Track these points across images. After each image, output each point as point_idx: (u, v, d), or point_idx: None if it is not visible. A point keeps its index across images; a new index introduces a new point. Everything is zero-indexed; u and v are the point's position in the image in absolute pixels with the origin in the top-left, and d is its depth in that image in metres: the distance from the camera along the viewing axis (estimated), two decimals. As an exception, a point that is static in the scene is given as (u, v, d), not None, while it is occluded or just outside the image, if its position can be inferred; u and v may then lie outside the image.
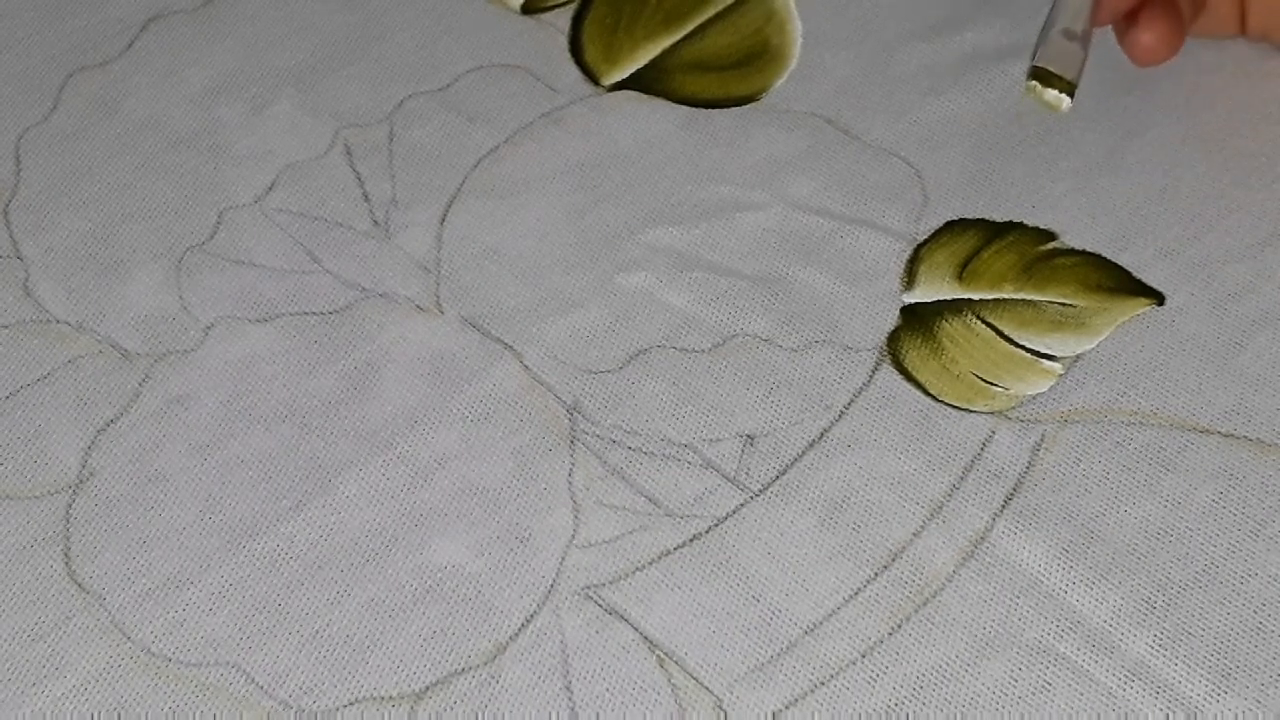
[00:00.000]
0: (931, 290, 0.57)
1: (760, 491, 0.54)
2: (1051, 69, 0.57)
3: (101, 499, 0.54)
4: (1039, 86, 0.57)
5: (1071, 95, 0.57)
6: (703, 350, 0.57)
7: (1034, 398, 0.55)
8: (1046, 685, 0.50)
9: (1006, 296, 0.57)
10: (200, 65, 0.64)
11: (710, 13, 0.64)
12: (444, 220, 0.60)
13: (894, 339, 0.56)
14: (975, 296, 0.57)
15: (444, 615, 0.52)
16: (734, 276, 0.58)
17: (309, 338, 0.57)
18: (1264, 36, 0.61)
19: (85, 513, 0.54)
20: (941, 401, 0.55)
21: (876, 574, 0.52)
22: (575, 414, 0.55)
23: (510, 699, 0.50)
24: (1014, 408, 0.55)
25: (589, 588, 0.52)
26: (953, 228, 0.59)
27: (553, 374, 0.56)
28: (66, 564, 0.53)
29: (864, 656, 0.51)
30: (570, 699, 0.50)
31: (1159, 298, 0.57)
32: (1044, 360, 0.56)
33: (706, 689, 0.50)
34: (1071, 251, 0.58)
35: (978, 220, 0.59)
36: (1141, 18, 0.58)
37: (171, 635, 0.51)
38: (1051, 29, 0.58)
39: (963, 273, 0.58)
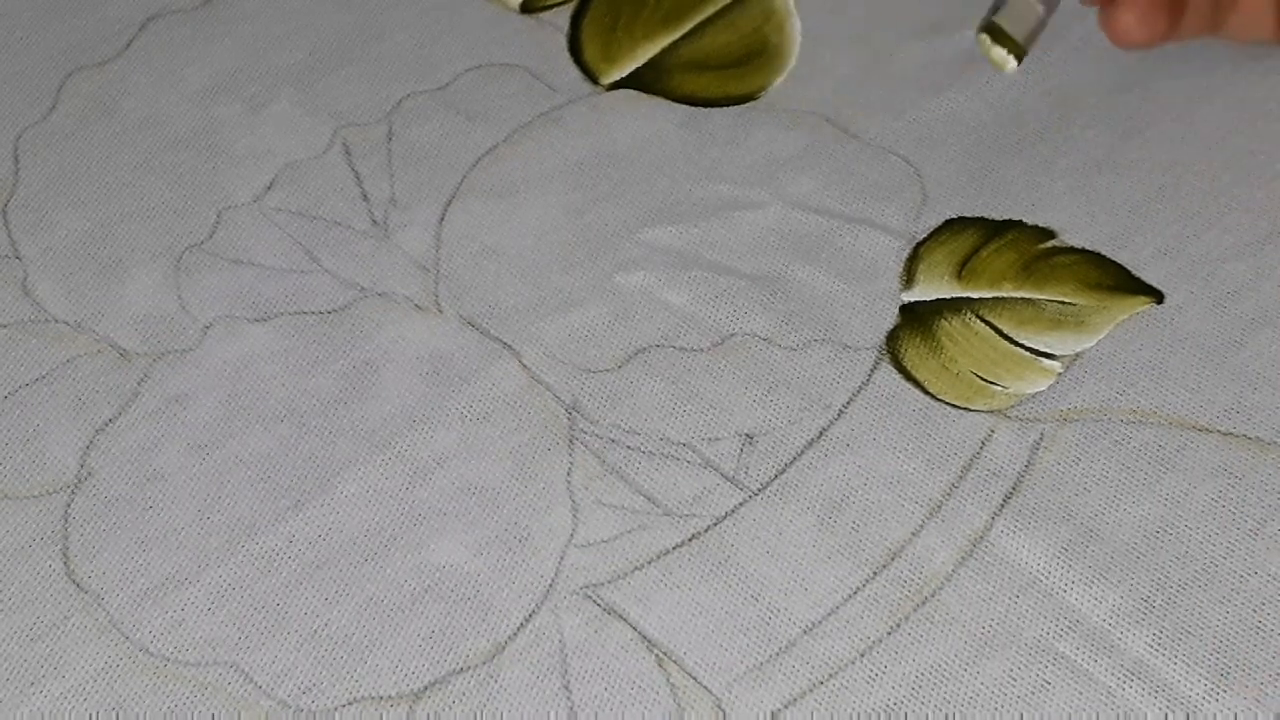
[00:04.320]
0: (931, 289, 0.57)
1: (759, 490, 0.53)
2: (1005, 26, 0.57)
3: (100, 499, 0.54)
4: (988, 41, 0.57)
5: (1020, 59, 0.57)
6: (702, 349, 0.56)
7: (1033, 396, 0.55)
8: (1045, 684, 0.50)
9: (1006, 295, 0.57)
10: (199, 65, 0.64)
11: (709, 11, 0.64)
12: (443, 219, 0.60)
13: (893, 338, 0.56)
14: (974, 295, 0.57)
15: (443, 615, 0.52)
16: (733, 275, 0.58)
17: (308, 337, 0.57)
18: None
19: (84, 512, 0.54)
20: (941, 400, 0.55)
21: (875, 573, 0.52)
22: (574, 413, 0.55)
23: (509, 698, 0.50)
24: (1013, 406, 0.55)
25: (588, 587, 0.52)
26: (952, 226, 0.59)
27: (552, 373, 0.56)
28: (65, 564, 0.53)
29: (863, 655, 0.50)
30: (569, 698, 0.50)
31: (1158, 296, 0.57)
32: (1043, 359, 0.56)
33: (705, 688, 0.50)
34: (1070, 250, 0.58)
35: (977, 219, 0.59)
36: None
37: (170, 635, 0.51)
38: None
39: (962, 271, 0.57)
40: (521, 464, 0.54)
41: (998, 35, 0.56)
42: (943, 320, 0.57)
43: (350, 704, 0.50)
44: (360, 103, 0.63)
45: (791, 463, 0.54)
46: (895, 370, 0.56)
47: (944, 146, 0.61)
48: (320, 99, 0.63)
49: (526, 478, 0.54)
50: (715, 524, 0.53)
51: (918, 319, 0.57)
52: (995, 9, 0.57)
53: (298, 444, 0.55)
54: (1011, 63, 0.56)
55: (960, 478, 0.53)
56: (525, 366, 0.56)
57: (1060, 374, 0.55)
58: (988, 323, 0.56)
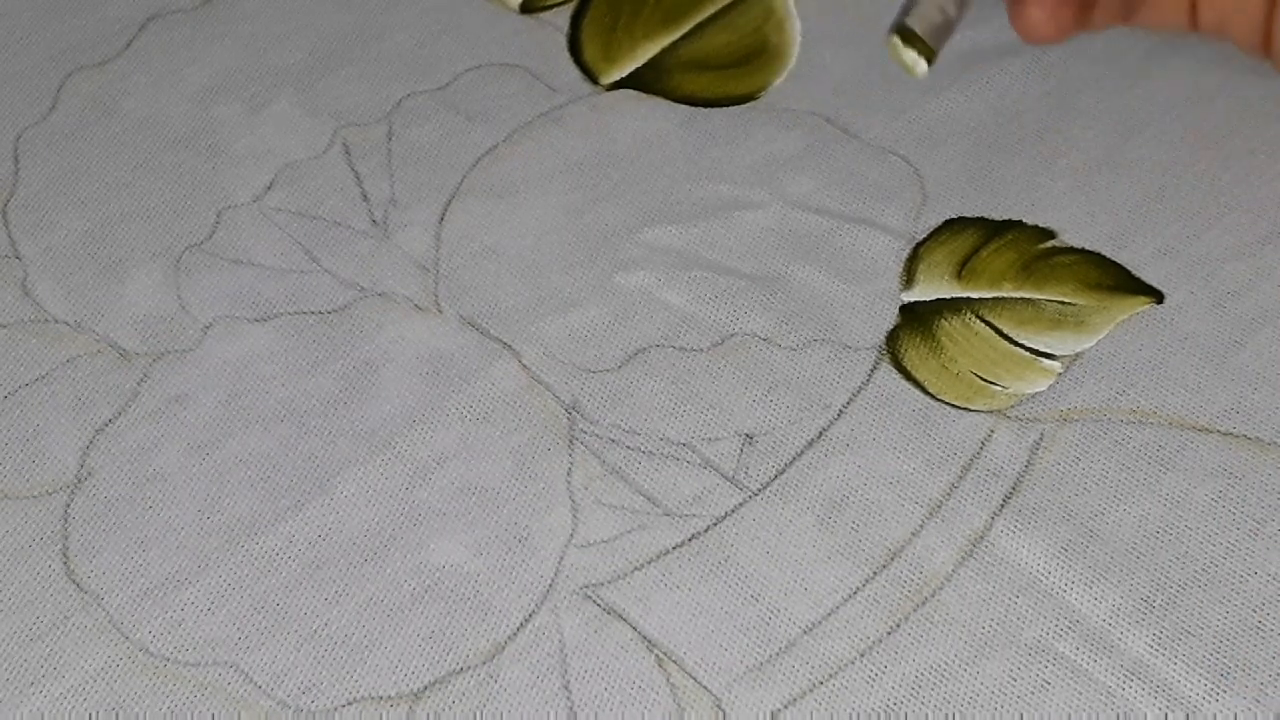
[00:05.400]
0: (930, 289, 0.57)
1: (759, 491, 0.53)
2: (916, 29, 0.56)
3: (99, 499, 0.54)
4: (900, 44, 0.56)
5: (930, 61, 0.56)
6: (701, 349, 0.57)
7: (1033, 396, 0.55)
8: (1045, 684, 0.50)
9: (1005, 295, 0.57)
10: (199, 65, 0.64)
11: (709, 11, 0.64)
12: (443, 219, 0.60)
13: (893, 338, 0.56)
14: (974, 295, 0.57)
15: (442, 615, 0.52)
16: (733, 275, 0.58)
17: (307, 337, 0.57)
18: (1218, 32, 0.59)
19: (83, 512, 0.54)
20: (940, 400, 0.55)
21: (875, 573, 0.52)
22: (574, 413, 0.55)
23: (509, 698, 0.50)
24: (1013, 406, 0.55)
25: (587, 587, 0.52)
26: (952, 226, 0.59)
27: (551, 373, 0.56)
28: (65, 564, 0.53)
29: (863, 655, 0.50)
30: (569, 698, 0.50)
31: (1158, 296, 0.57)
32: (1043, 359, 0.56)
33: (705, 688, 0.50)
34: (1070, 250, 0.58)
35: (977, 219, 0.59)
36: None
37: (170, 635, 0.51)
38: None
39: (962, 271, 0.57)
40: (521, 464, 0.54)
41: (909, 38, 0.56)
42: (943, 320, 0.57)
43: (350, 704, 0.50)
44: (360, 103, 0.63)
45: (791, 463, 0.54)
46: (895, 370, 0.56)
47: (944, 146, 0.61)
48: (320, 99, 0.63)
49: (526, 478, 0.54)
50: (715, 524, 0.53)
51: (918, 319, 0.57)
52: (906, 10, 0.57)
53: (298, 444, 0.55)
54: (922, 65, 0.56)
55: (960, 478, 0.53)
56: (525, 366, 0.56)
57: (1060, 374, 0.55)
58: (988, 323, 0.56)
